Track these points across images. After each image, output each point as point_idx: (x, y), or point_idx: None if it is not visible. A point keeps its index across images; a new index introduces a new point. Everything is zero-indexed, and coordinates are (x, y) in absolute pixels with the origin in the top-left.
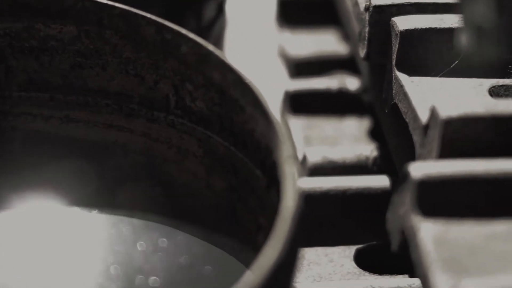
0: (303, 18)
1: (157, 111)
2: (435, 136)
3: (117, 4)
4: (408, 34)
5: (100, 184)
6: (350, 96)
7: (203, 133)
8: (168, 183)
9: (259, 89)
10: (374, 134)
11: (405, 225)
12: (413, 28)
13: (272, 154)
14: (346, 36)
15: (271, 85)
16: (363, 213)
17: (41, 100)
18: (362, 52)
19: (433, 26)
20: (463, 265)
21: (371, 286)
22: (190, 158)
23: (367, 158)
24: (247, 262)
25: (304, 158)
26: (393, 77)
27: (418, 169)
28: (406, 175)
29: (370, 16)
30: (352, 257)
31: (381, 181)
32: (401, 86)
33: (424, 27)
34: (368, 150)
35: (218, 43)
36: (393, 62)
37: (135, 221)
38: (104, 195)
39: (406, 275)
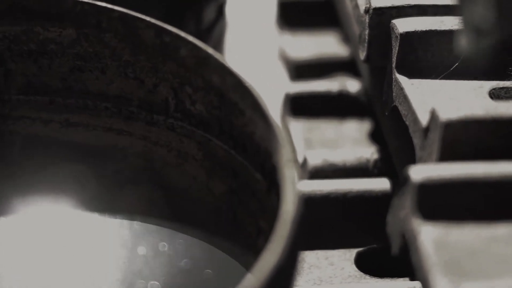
0: (303, 20)
1: (157, 114)
2: (435, 139)
3: (116, 7)
4: (408, 36)
5: (99, 188)
6: (350, 98)
7: (203, 136)
8: (168, 186)
9: (258, 92)
10: (375, 136)
11: (406, 228)
12: (413, 30)
13: (271, 157)
14: (347, 38)
15: (272, 88)
16: (363, 216)
17: (40, 104)
18: (362, 54)
19: (433, 28)
20: (463, 268)
21: None
22: (190, 161)
23: (367, 160)
24: (248, 266)
25: (305, 160)
26: (393, 79)
27: (418, 172)
28: (406, 178)
29: (370, 18)
30: (352, 260)
31: (381, 184)
32: (401, 89)
33: (424, 29)
34: (368, 152)
35: (218, 45)
36: (393, 65)
37: (135, 225)
38: (103, 198)
39: (407, 278)
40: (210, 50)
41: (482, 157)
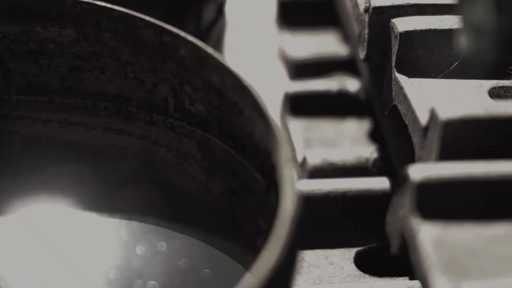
0: (303, 19)
1: (156, 114)
2: (434, 138)
3: (115, 7)
4: (408, 36)
5: (98, 187)
6: (350, 97)
7: (202, 135)
8: (167, 186)
9: (258, 92)
10: (374, 135)
11: (405, 227)
12: (412, 29)
13: (271, 157)
14: (346, 37)
15: (271, 87)
16: (363, 215)
17: (40, 104)
18: (362, 54)
19: (432, 27)
20: (462, 267)
21: None
22: (189, 161)
23: (367, 160)
24: (247, 265)
25: (304, 160)
26: (393, 78)
27: (418, 171)
28: (405, 178)
29: (370, 18)
30: (352, 260)
31: (381, 183)
32: (401, 88)
33: (423, 29)
34: (368, 151)
35: (218, 44)
36: (393, 64)
37: (134, 225)
38: (103, 198)
39: (406, 278)
40: (209, 50)
41: (482, 156)
